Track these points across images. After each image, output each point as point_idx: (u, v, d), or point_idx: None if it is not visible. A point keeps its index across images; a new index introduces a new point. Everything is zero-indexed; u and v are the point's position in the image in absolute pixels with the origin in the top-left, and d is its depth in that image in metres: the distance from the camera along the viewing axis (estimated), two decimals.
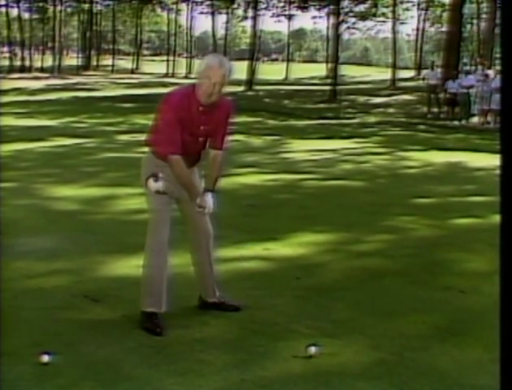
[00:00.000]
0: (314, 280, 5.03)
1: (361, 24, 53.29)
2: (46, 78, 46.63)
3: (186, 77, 51.34)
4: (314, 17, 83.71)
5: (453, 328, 4.15)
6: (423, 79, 27.38)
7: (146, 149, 4.18)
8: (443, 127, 19.78)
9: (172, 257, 4.20)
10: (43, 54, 61.61)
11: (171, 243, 4.08)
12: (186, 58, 66.20)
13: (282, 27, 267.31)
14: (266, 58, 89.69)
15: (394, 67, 42.65)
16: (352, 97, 31.63)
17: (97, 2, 62.46)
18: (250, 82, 39.40)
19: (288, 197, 8.48)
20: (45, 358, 3.46)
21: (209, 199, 3.97)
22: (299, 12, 56.14)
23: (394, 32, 46.40)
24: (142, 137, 4.48)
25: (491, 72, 20.70)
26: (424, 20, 55.09)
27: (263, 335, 3.88)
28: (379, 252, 5.90)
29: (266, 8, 52.78)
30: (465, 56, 38.98)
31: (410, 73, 49.44)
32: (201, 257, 4.25)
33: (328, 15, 51.66)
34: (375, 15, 49.81)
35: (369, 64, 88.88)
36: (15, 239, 5.86)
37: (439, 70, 24.95)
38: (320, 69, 58.87)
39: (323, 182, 9.55)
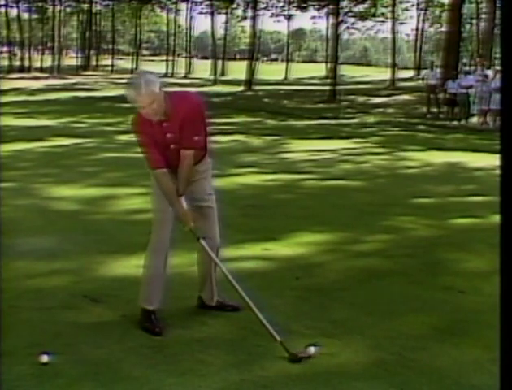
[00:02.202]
0: (314, 280, 5.04)
1: (360, 24, 53.50)
2: (46, 78, 46.67)
3: (185, 77, 51.43)
4: (313, 17, 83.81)
5: (452, 328, 4.15)
6: (423, 79, 27.39)
7: None
8: (442, 128, 19.77)
9: (173, 257, 4.20)
10: (42, 54, 61.67)
11: (172, 243, 4.09)
12: (185, 58, 66.27)
13: (281, 27, 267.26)
14: (265, 58, 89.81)
15: (394, 66, 42.70)
16: (351, 97, 31.64)
17: (96, 2, 62.45)
18: (250, 82, 39.45)
19: (288, 197, 8.48)
20: (45, 358, 3.47)
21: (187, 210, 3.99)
22: (298, 12, 56.27)
23: (393, 32, 46.48)
24: None
25: (490, 72, 20.68)
26: (423, 20, 55.20)
27: (263, 335, 3.88)
28: (379, 252, 5.90)
29: (265, 8, 52.89)
30: (464, 56, 38.99)
31: (410, 73, 49.50)
32: (205, 256, 4.24)
33: (328, 15, 51.69)
34: (374, 15, 49.89)
35: (368, 64, 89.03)
36: (14, 239, 5.86)
37: (438, 70, 24.92)
38: (319, 69, 58.95)
39: (323, 182, 9.55)
